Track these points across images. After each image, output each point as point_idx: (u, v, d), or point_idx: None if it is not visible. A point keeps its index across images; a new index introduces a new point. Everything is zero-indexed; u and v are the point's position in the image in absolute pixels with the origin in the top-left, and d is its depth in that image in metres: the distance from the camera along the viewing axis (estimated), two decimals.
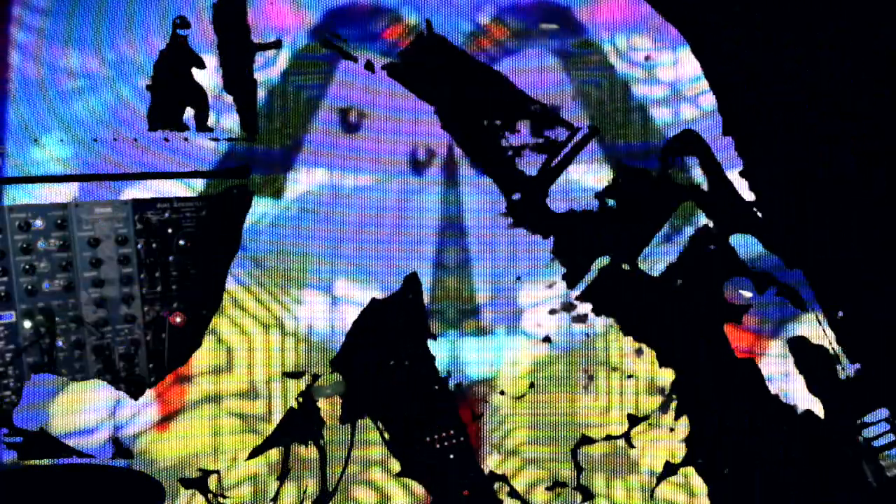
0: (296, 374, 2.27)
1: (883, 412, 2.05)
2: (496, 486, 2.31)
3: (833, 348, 2.06)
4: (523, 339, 2.31)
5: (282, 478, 2.28)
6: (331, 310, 2.28)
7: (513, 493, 2.32)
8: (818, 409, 2.11)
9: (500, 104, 2.16)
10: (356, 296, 2.29)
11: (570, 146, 2.14)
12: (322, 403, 2.29)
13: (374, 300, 2.27)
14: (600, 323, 2.28)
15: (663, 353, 2.17)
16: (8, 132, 2.10)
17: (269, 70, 2.22)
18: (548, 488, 2.31)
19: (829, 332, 2.05)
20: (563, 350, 2.31)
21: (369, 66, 2.17)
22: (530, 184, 2.21)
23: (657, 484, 2.27)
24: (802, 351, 2.07)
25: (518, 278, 2.28)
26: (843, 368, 2.06)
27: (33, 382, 2.06)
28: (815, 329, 2.07)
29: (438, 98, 2.17)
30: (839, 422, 2.07)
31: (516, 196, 2.19)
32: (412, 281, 2.27)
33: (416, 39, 2.14)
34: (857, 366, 2.04)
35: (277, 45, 2.16)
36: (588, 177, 2.21)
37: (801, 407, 2.12)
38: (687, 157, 2.13)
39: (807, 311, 2.06)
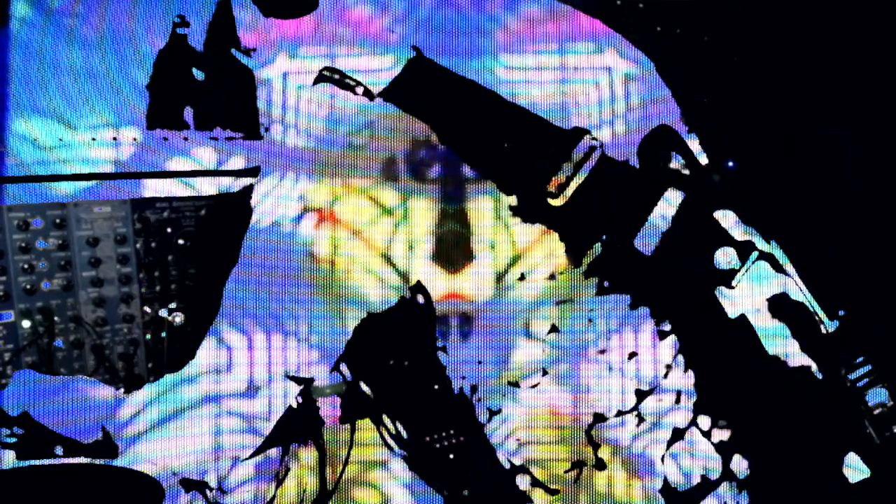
0: (301, 380, 2.27)
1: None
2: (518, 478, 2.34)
3: (810, 305, 2.22)
4: (525, 339, 2.32)
5: (281, 478, 2.28)
6: (329, 308, 2.29)
7: (535, 483, 2.33)
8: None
9: (494, 117, 2.25)
10: (354, 295, 2.29)
11: (572, 162, 2.23)
12: (322, 403, 2.29)
13: (370, 314, 2.28)
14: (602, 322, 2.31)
15: (662, 317, 2.30)
16: (8, 132, 2.10)
17: (268, 69, 2.22)
18: (566, 471, 2.33)
19: (807, 293, 2.22)
20: (566, 348, 2.32)
21: (367, 93, 2.22)
22: (531, 186, 2.25)
23: (667, 449, 2.31)
24: (784, 308, 2.24)
25: (522, 277, 2.29)
26: (823, 324, 2.23)
27: (34, 381, 2.06)
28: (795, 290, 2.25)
29: (433, 116, 2.24)
30: (835, 379, 2.22)
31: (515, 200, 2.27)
32: (419, 289, 2.28)
33: (407, 65, 2.22)
34: (836, 322, 2.21)
35: (247, 53, 2.21)
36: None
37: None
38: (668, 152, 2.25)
39: (786, 275, 2.23)
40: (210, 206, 2.21)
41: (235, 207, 2.22)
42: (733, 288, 2.23)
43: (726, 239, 2.23)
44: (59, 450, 2.07)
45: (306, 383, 2.28)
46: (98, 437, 2.12)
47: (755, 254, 2.22)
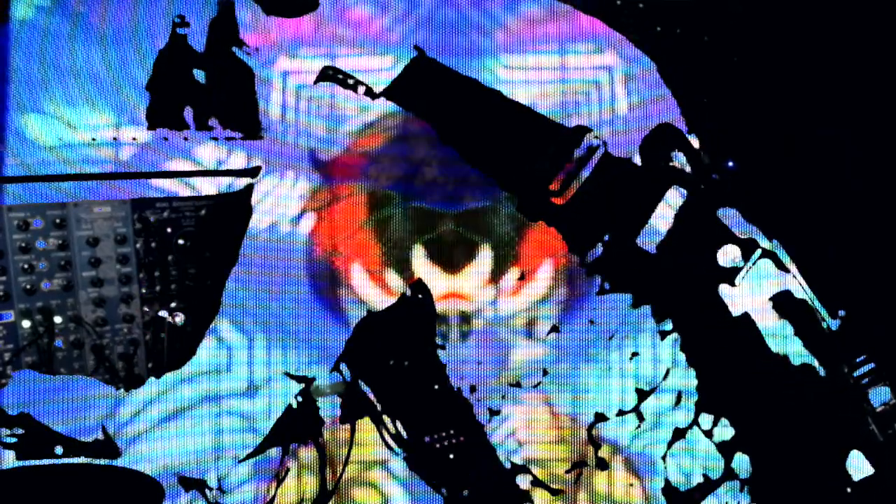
0: (301, 379, 2.27)
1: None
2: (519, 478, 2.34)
3: (812, 303, 2.23)
4: (525, 338, 2.32)
5: (281, 478, 2.28)
6: (330, 307, 2.29)
7: (536, 482, 2.33)
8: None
9: (496, 116, 2.25)
10: (354, 294, 2.29)
11: (574, 161, 2.23)
12: (322, 403, 2.29)
13: (370, 314, 2.28)
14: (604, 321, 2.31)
15: (665, 315, 2.29)
16: (8, 131, 2.10)
17: (269, 69, 2.22)
18: (567, 471, 2.33)
19: (808, 291, 2.23)
20: (568, 347, 2.33)
21: (370, 92, 2.22)
22: (533, 184, 2.25)
23: (668, 448, 2.31)
24: (786, 305, 2.23)
25: (521, 277, 2.29)
26: (825, 322, 2.23)
27: (34, 381, 2.06)
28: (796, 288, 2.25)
29: (435, 116, 2.24)
30: (837, 377, 2.22)
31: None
32: (419, 287, 2.28)
33: (409, 64, 2.22)
34: (838, 321, 2.21)
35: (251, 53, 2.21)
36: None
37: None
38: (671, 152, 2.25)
39: (788, 273, 2.23)
40: (210, 206, 2.21)
41: (235, 207, 2.22)
42: (735, 286, 2.23)
43: (729, 237, 2.23)
44: (58, 450, 2.07)
45: (306, 383, 2.28)
46: (98, 437, 2.12)
47: (758, 252, 2.21)
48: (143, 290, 2.17)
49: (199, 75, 2.19)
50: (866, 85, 2.20)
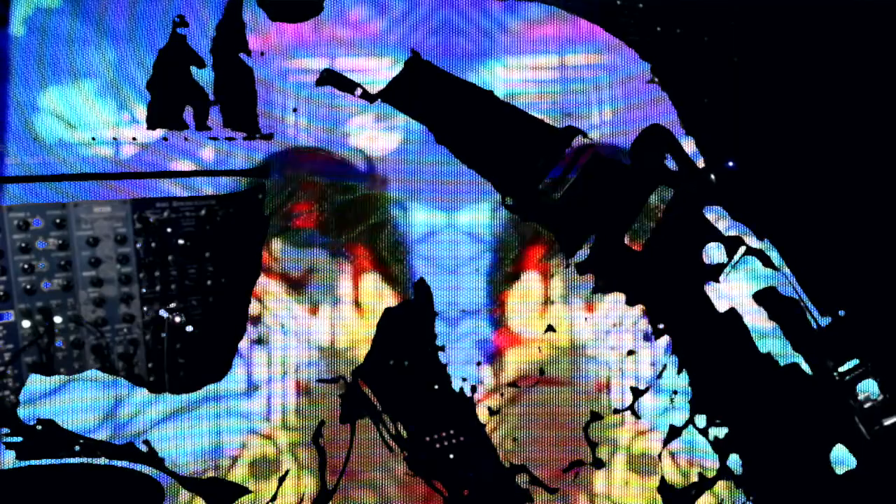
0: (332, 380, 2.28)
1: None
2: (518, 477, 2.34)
3: (801, 299, 2.22)
4: (522, 337, 2.33)
5: (281, 478, 2.28)
6: (332, 310, 2.29)
7: (534, 481, 2.33)
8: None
9: (490, 117, 2.25)
10: (355, 295, 2.30)
11: (565, 160, 2.24)
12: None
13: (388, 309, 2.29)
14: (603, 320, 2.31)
15: (656, 315, 2.29)
16: (9, 131, 2.09)
17: (269, 69, 2.22)
18: (564, 470, 2.34)
19: (798, 288, 2.22)
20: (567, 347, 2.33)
21: (366, 95, 2.21)
22: (526, 185, 2.25)
23: (663, 447, 2.31)
24: (774, 305, 2.23)
25: (518, 277, 2.30)
26: (814, 319, 2.22)
27: (35, 381, 2.06)
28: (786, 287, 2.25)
29: (431, 117, 2.24)
30: (825, 374, 2.22)
31: (510, 201, 2.27)
32: (421, 287, 2.29)
33: (405, 67, 2.22)
34: (829, 319, 2.21)
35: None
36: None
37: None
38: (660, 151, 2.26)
39: (776, 271, 2.23)
40: (210, 206, 2.21)
41: (242, 208, 2.22)
42: (719, 283, 2.23)
43: (716, 236, 2.23)
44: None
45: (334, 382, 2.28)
46: (99, 437, 2.13)
47: (742, 248, 2.21)
48: (143, 290, 2.17)
49: (199, 75, 2.19)
50: (866, 85, 2.20)
